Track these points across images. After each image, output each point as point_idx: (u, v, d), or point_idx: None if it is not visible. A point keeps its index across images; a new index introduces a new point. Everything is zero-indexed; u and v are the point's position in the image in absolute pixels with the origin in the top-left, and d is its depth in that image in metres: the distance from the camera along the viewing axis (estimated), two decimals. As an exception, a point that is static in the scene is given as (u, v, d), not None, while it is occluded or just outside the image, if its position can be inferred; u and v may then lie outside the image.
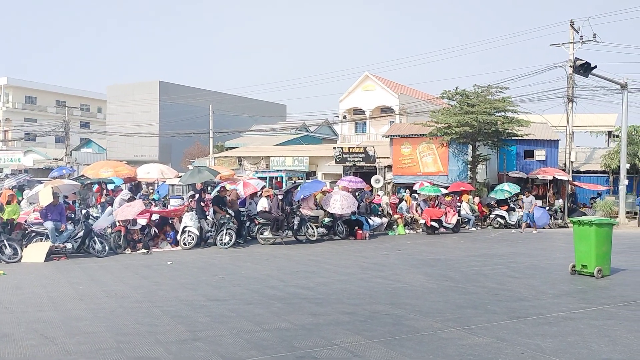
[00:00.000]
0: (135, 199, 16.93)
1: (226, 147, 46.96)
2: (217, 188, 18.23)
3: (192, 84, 75.59)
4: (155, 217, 16.31)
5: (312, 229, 16.92)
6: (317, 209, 17.78)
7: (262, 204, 16.51)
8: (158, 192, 23.72)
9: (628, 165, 24.73)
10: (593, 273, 10.21)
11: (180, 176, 24.70)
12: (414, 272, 11.06)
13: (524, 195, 22.26)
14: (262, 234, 16.35)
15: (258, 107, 65.08)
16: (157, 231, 15.93)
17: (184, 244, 15.42)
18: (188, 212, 15.85)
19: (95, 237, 13.93)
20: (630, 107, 24.46)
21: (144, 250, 14.55)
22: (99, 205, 18.90)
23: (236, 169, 35.38)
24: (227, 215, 15.89)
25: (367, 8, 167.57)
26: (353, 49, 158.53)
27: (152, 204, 18.66)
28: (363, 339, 6.26)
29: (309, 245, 16.08)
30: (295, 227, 16.52)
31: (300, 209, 16.93)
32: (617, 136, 29.58)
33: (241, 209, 16.95)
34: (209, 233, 16.08)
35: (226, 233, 15.50)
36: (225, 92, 61.59)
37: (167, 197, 22.06)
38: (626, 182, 24.39)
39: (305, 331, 6.62)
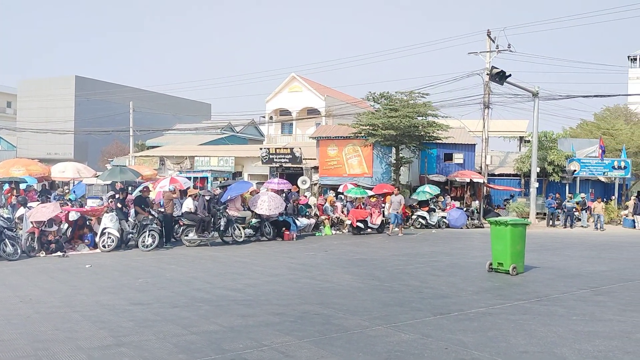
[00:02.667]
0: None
1: (147, 146, 45.55)
2: (140, 188, 17.64)
3: (112, 79, 72.80)
4: (72, 217, 15.53)
5: (239, 230, 16.74)
6: (244, 210, 17.62)
7: (187, 205, 16.14)
8: (74, 192, 22.64)
9: (538, 169, 26.30)
10: (508, 270, 10.78)
11: (98, 175, 23.72)
12: (341, 272, 11.21)
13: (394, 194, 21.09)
14: (187, 235, 15.97)
15: (181, 105, 63.63)
16: (73, 233, 15.19)
17: (103, 246, 14.77)
18: (108, 212, 15.21)
19: (7, 239, 13.05)
20: (541, 114, 26.08)
21: (59, 253, 13.81)
22: (9, 206, 17.73)
23: (158, 169, 34.41)
24: (150, 217, 15.40)
25: (293, 9, 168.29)
26: (280, 50, 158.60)
27: (68, 205, 17.74)
28: (293, 339, 6.27)
29: (236, 247, 15.90)
30: (221, 228, 16.27)
31: (227, 210, 16.71)
32: (528, 141, 31.41)
33: (161, 210, 16.45)
34: (130, 235, 15.52)
35: (149, 235, 15.02)
36: (147, 89, 59.70)
37: (85, 197, 21.09)
38: (536, 184, 25.94)
39: (234, 333, 6.53)
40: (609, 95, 51.70)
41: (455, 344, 6.10)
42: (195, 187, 20.14)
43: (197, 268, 11.89)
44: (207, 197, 16.38)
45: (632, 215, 25.24)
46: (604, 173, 27.81)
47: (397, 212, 19.73)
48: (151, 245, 14.88)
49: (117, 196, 16.35)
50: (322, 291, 9.20)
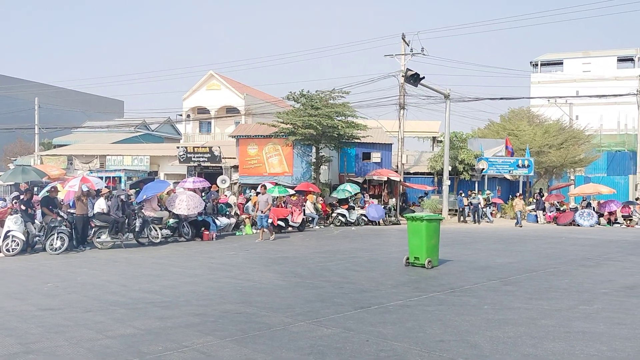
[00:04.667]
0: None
1: (54, 144, 43.12)
2: (47, 188, 16.64)
3: (15, 74, 68.27)
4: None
5: (156, 230, 16.22)
6: (161, 210, 17.09)
7: (100, 205, 15.41)
8: (-27, 193, 20.99)
9: (450, 168, 27.50)
10: (424, 264, 11.20)
11: (0, 175, 22.19)
12: (262, 271, 11.16)
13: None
14: (99, 237, 15.26)
15: (92, 102, 60.88)
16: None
17: (7, 250, 13.82)
18: (11, 214, 14.24)
19: None
20: (452, 115, 27.32)
21: (-44, 259, 12.77)
22: None
23: (66, 169, 32.68)
24: (59, 218, 14.58)
25: (211, 6, 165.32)
26: (197, 47, 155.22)
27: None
28: (215, 339, 6.16)
29: (153, 248, 15.39)
30: (136, 229, 15.69)
31: (143, 210, 16.14)
32: (441, 141, 32.76)
33: (72, 211, 15.61)
34: (37, 238, 14.62)
35: (57, 237, 14.22)
36: (54, 85, 56.62)
37: (-15, 199, 19.61)
38: (448, 182, 27.12)
39: (153, 335, 6.32)
40: (513, 98, 54.66)
41: (375, 336, 6.25)
42: (107, 187, 19.20)
43: (111, 271, 11.40)
44: (123, 197, 15.74)
45: (535, 211, 27.02)
46: (510, 171, 29.54)
47: (263, 213, 17.37)
48: (60, 248, 14.10)
49: (21, 197, 15.34)
50: (244, 290, 9.11)
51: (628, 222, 25.33)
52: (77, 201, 15.11)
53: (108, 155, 34.04)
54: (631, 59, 62.57)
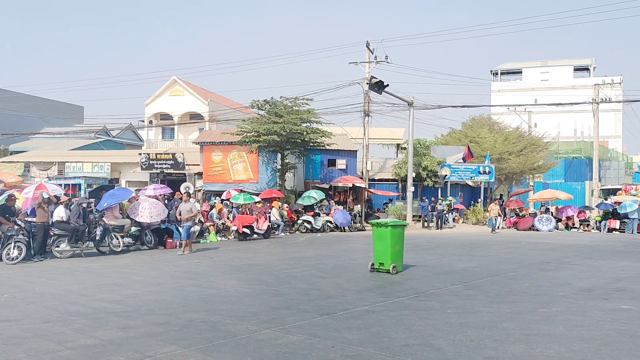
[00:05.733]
0: None
1: (11, 151, 41.82)
2: (3, 196, 16.13)
3: (-32, 77, 66.21)
4: None
5: (117, 239, 15.89)
6: (122, 218, 16.76)
7: (59, 213, 15.01)
8: None
9: (414, 174, 27.85)
10: (389, 270, 11.31)
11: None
12: (227, 278, 11.06)
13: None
14: (58, 246, 14.86)
15: (50, 107, 59.32)
16: None
17: (-40, 260, 13.31)
18: (-35, 224, 13.73)
19: None
20: (415, 123, 27.62)
21: None
22: None
23: (23, 175, 31.73)
24: (16, 227, 14.14)
25: (174, 12, 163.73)
26: (160, 52, 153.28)
27: None
28: (179, 348, 6.07)
29: (114, 257, 15.07)
30: (97, 237, 15.34)
31: (104, 218, 15.80)
32: (405, 148, 33.17)
33: (30, 219, 15.15)
34: (-7, 247, 14.14)
35: (15, 247, 13.79)
36: (11, 90, 54.92)
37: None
38: (412, 189, 27.45)
39: (114, 346, 6.19)
40: (474, 106, 56.18)
41: (341, 342, 6.27)
42: (66, 195, 18.67)
43: (71, 280, 11.11)
44: (84, 205, 15.38)
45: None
46: (471, 178, 30.11)
47: (186, 224, 15.66)
48: (17, 258, 13.69)
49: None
50: (208, 298, 9.01)
51: (585, 226, 26.14)
52: (38, 209, 14.67)
53: (67, 162, 33.23)
54: (587, 69, 64.82)
